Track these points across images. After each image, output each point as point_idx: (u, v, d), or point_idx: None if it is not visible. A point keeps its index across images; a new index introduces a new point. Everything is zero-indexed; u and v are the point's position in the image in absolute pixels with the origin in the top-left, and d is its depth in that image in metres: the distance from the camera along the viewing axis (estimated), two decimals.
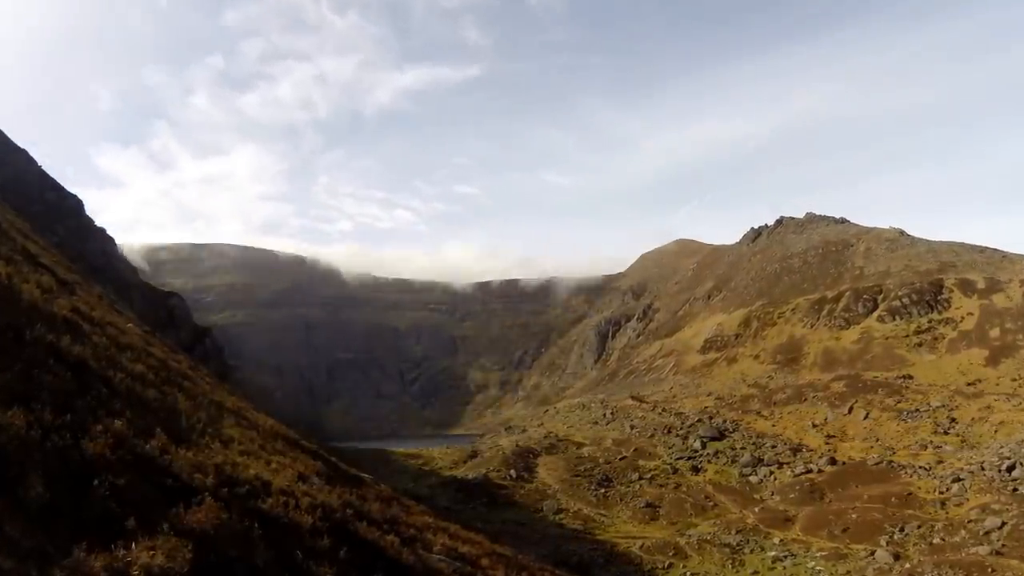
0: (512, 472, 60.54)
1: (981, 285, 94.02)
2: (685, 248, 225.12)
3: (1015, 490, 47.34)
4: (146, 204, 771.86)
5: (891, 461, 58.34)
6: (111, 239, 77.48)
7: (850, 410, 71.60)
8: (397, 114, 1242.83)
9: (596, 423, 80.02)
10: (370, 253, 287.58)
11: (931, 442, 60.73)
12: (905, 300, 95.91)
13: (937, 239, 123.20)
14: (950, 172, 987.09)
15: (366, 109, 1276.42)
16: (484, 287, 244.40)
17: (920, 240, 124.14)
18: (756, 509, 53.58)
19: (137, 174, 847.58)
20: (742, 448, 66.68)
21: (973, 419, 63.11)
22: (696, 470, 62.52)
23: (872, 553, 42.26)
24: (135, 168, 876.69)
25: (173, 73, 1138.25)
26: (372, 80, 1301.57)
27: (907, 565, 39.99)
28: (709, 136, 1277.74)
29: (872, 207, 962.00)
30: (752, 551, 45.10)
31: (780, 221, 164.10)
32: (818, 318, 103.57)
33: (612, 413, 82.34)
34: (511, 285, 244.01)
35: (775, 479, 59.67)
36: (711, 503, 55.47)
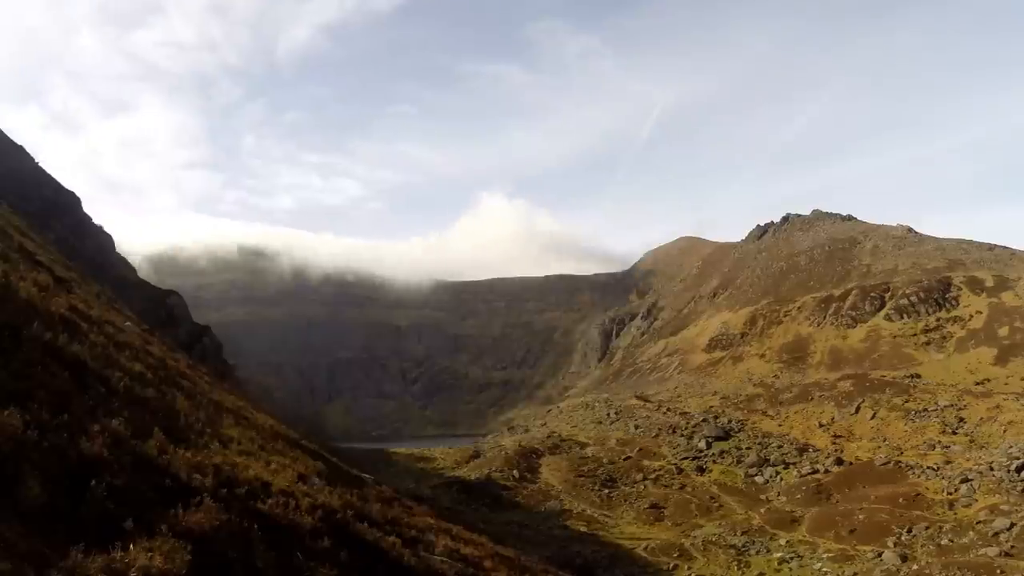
0: (515, 472, 60.31)
1: (990, 283, 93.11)
2: (690, 246, 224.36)
3: None
4: (65, 174, 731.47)
5: (899, 461, 57.87)
6: (109, 236, 77.41)
7: (857, 410, 71.00)
8: (317, 56, 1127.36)
9: (600, 423, 79.73)
10: (359, 248, 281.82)
11: (939, 442, 60.16)
12: (913, 298, 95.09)
13: (945, 236, 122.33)
14: (958, 168, 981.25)
15: (280, 50, 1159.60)
16: (485, 285, 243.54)
17: (928, 237, 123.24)
18: (762, 510, 53.18)
19: (45, 138, 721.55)
20: (748, 448, 66.25)
21: (982, 419, 62.47)
22: (701, 470, 62.14)
23: (879, 555, 41.92)
24: (42, 131, 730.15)
25: (51, 6, 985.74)
26: (281, 13, 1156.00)
27: (915, 567, 39.62)
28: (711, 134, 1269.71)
29: (879, 204, 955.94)
30: (758, 552, 44.76)
31: (786, 218, 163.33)
32: (825, 316, 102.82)
33: (616, 413, 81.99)
34: (513, 282, 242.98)
35: (781, 479, 59.26)
36: (716, 504, 55.08)
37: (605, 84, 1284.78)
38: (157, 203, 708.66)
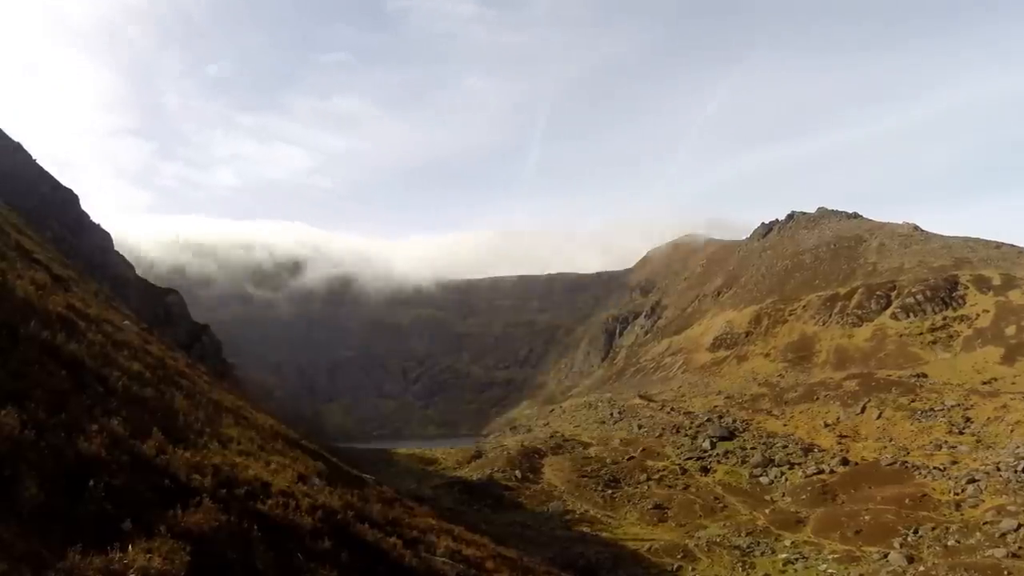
0: (517, 473, 60.15)
1: (997, 281, 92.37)
2: (694, 244, 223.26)
3: None
4: None
5: (905, 462, 57.53)
6: (107, 234, 77.13)
7: (863, 409, 70.57)
8: None
9: (603, 423, 79.52)
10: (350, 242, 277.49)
11: (946, 442, 59.76)
12: (919, 297, 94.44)
13: (952, 234, 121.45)
14: (965, 165, 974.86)
15: None
16: (488, 283, 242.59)
17: (934, 235, 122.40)
18: (767, 511, 52.91)
19: None
20: (752, 448, 65.91)
21: (989, 419, 62.02)
22: (705, 471, 61.85)
23: (885, 556, 41.82)
24: None
25: None
26: None
27: (921, 568, 39.44)
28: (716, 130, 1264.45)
29: (885, 202, 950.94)
30: (763, 553, 44.56)
31: (791, 216, 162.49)
32: (830, 315, 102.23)
33: (619, 412, 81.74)
34: (516, 281, 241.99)
35: (786, 480, 58.95)
36: (721, 504, 54.80)
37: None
38: (96, 178, 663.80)
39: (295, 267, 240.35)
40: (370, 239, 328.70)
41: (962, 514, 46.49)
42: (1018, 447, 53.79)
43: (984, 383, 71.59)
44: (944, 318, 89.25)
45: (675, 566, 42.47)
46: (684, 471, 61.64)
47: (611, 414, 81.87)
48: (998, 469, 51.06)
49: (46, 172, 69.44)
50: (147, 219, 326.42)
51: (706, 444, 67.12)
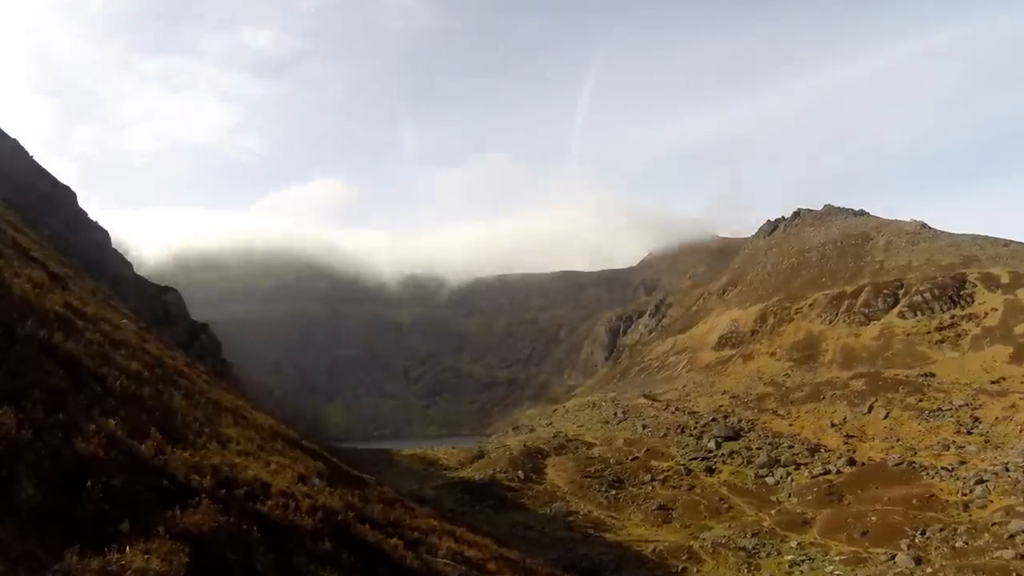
0: (520, 473, 59.93)
1: (1005, 280, 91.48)
2: (699, 241, 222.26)
3: None
4: None
5: (912, 462, 57.07)
6: (105, 231, 76.76)
7: (870, 409, 70.03)
8: None
9: (607, 422, 79.19)
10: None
11: (954, 442, 59.25)
12: (927, 295, 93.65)
13: (960, 232, 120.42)
14: (972, 161, 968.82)
15: None
16: (490, 282, 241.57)
17: (942, 233, 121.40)
18: (772, 511, 52.55)
19: None
20: (758, 448, 65.50)
21: (997, 418, 61.51)
22: (710, 471, 61.48)
23: (893, 557, 41.48)
24: None
25: None
26: None
27: (929, 570, 39.15)
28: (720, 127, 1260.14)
29: (892, 199, 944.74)
30: (768, 555, 44.25)
31: (797, 213, 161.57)
32: (837, 314, 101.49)
33: (623, 412, 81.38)
34: (517, 279, 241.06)
35: (792, 480, 58.54)
36: (726, 505, 54.44)
37: None
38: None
39: (295, 264, 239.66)
40: (369, 234, 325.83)
41: (970, 515, 46.07)
42: None
43: (992, 382, 70.90)
44: (952, 317, 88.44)
45: (680, 567, 42.22)
46: (689, 471, 61.28)
47: (615, 414, 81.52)
48: (1007, 469, 50.64)
49: (44, 169, 69.22)
50: (141, 214, 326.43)
51: (711, 444, 66.73)
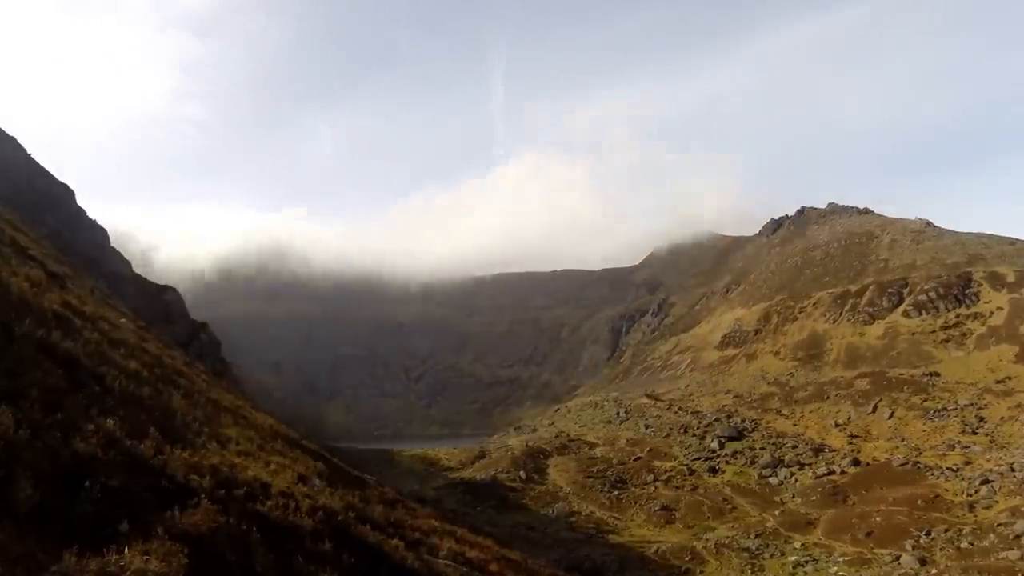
0: (522, 473, 59.79)
1: (1011, 278, 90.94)
2: (703, 240, 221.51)
3: None
4: None
5: (917, 462, 56.76)
6: (104, 230, 76.64)
7: (874, 409, 69.68)
8: None
9: (609, 422, 78.95)
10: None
11: (959, 442, 58.91)
12: (932, 294, 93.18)
13: (965, 230, 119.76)
14: (978, 159, 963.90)
15: None
16: (492, 280, 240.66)
17: (947, 231, 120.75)
18: (776, 512, 52.29)
19: None
20: (762, 448, 65.23)
21: (1003, 418, 61.16)
22: (714, 471, 61.21)
23: (897, 558, 41.26)
24: None
25: None
26: None
27: (934, 570, 38.92)
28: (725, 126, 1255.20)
29: (897, 197, 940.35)
30: (772, 556, 44.03)
31: (801, 212, 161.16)
32: (841, 313, 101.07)
33: (626, 412, 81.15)
34: (520, 278, 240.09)
35: (796, 481, 58.27)
36: (729, 506, 54.21)
37: None
38: None
39: (295, 263, 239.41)
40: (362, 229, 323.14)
41: (975, 515, 45.78)
42: None
43: (998, 382, 70.48)
44: (957, 316, 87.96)
45: (683, 568, 42.01)
46: (692, 472, 61.03)
47: (617, 413, 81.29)
48: (1012, 469, 50.31)
49: (42, 167, 69.07)
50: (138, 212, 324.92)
51: (714, 444, 66.48)
